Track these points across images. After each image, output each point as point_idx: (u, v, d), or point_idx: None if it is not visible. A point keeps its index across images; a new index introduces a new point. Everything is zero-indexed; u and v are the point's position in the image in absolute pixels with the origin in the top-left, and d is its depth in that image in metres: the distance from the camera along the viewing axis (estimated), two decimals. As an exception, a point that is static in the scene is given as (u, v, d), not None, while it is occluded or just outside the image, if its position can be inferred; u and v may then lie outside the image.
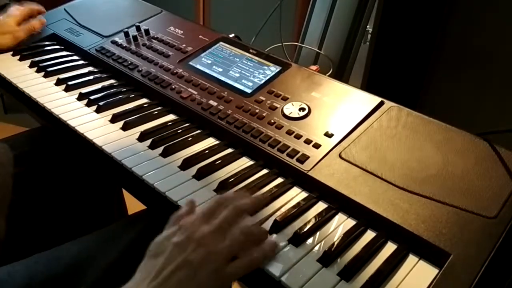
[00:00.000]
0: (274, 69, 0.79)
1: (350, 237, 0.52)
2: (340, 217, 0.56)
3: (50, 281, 0.56)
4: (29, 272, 0.57)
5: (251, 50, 0.84)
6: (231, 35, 0.90)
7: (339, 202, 0.57)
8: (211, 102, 0.74)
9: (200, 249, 0.45)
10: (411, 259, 0.50)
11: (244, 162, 0.65)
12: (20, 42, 0.94)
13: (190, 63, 0.83)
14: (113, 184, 0.94)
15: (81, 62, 0.90)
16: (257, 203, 0.54)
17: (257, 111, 0.70)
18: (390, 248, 0.51)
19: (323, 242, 0.52)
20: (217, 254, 0.46)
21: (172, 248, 0.46)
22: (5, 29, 0.92)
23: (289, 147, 0.64)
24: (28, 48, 0.92)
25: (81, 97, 0.78)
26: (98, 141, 0.67)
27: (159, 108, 0.77)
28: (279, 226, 0.53)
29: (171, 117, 0.75)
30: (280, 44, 1.02)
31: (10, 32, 0.92)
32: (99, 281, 0.56)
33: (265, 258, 0.48)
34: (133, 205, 0.78)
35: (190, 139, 0.69)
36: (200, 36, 0.89)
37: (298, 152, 0.62)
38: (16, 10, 0.95)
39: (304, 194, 0.59)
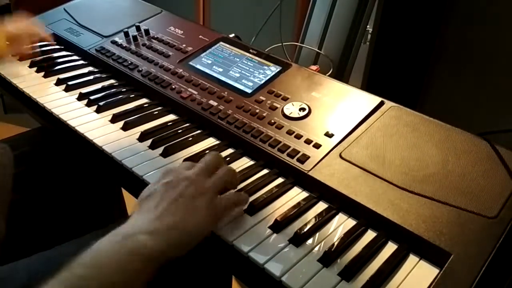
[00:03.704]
0: (274, 69, 0.79)
1: (350, 237, 0.52)
2: (340, 217, 0.56)
3: None
4: (29, 272, 0.57)
5: (251, 50, 0.84)
6: (231, 35, 0.90)
7: (340, 202, 0.57)
8: (211, 102, 0.74)
9: (191, 185, 0.49)
10: (412, 259, 0.50)
11: (245, 162, 0.65)
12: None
13: (190, 63, 0.83)
14: (113, 184, 0.94)
15: (81, 62, 0.90)
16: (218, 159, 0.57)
17: (257, 111, 0.70)
18: (390, 248, 0.51)
19: (323, 242, 0.52)
20: (207, 187, 0.50)
21: (164, 186, 0.49)
22: None
23: (290, 147, 0.64)
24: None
25: (81, 97, 0.78)
26: (98, 141, 0.67)
27: (159, 108, 0.77)
28: (279, 226, 0.53)
29: (171, 117, 0.75)
30: (280, 44, 1.02)
31: None
32: None
33: (244, 199, 0.55)
34: (133, 205, 0.77)
35: (190, 139, 0.69)
36: (200, 36, 0.89)
37: (299, 152, 0.62)
38: (12, 24, 0.86)
39: (304, 194, 0.59)
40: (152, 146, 0.67)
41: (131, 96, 0.80)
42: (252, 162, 0.65)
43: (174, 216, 0.46)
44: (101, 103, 0.76)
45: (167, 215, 0.46)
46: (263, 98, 0.73)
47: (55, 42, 0.95)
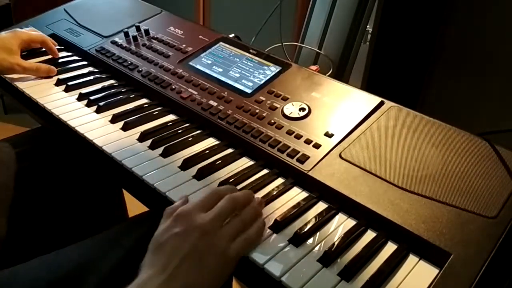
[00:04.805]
0: (274, 69, 0.79)
1: (350, 237, 0.52)
2: (340, 217, 0.56)
3: (52, 286, 0.55)
4: (30, 277, 0.57)
5: (251, 50, 0.84)
6: (231, 35, 0.90)
7: (339, 202, 0.57)
8: (211, 102, 0.74)
9: (204, 236, 0.45)
10: (412, 259, 0.50)
11: (244, 162, 0.65)
12: (7, 72, 0.81)
13: (190, 63, 0.83)
14: (113, 185, 0.94)
15: (81, 62, 0.90)
16: (250, 196, 0.55)
17: (257, 111, 0.70)
18: (390, 248, 0.51)
19: (323, 242, 0.52)
20: (220, 237, 0.46)
21: (174, 239, 0.46)
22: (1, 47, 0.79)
23: (289, 147, 0.64)
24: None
25: (81, 97, 0.78)
26: (98, 142, 0.67)
27: (159, 108, 0.77)
28: (279, 226, 0.53)
29: (171, 117, 0.75)
30: (280, 44, 1.02)
31: (6, 53, 0.79)
32: (101, 285, 0.56)
33: (260, 233, 0.51)
34: (135, 207, 0.78)
35: (190, 139, 0.69)
36: (200, 36, 0.89)
37: (298, 152, 0.62)
38: (24, 32, 0.85)
39: (304, 194, 0.59)
40: (152, 146, 0.67)
41: (131, 96, 0.80)
42: (252, 162, 0.65)
43: (186, 278, 0.43)
44: (101, 104, 0.76)
45: (179, 275, 0.43)
46: (263, 98, 0.73)
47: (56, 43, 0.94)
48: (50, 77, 0.84)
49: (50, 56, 0.90)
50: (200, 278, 0.44)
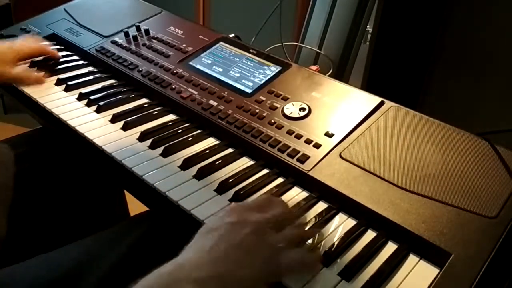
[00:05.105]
0: (274, 69, 0.79)
1: (350, 237, 0.52)
2: (340, 217, 0.56)
3: (53, 285, 0.55)
4: (31, 276, 0.57)
5: (251, 50, 0.84)
6: (231, 35, 0.90)
7: (340, 202, 0.57)
8: (211, 102, 0.74)
9: (255, 234, 0.44)
10: (412, 259, 0.50)
11: (245, 162, 0.65)
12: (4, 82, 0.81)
13: (190, 63, 0.83)
14: (114, 185, 0.94)
15: (81, 62, 0.90)
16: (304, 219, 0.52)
17: (257, 111, 0.70)
18: (390, 248, 0.51)
19: (323, 242, 0.52)
20: (271, 242, 0.44)
21: (226, 227, 0.44)
22: None
23: (290, 147, 0.64)
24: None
25: (81, 97, 0.78)
26: (98, 141, 0.67)
27: (159, 108, 0.77)
28: (279, 226, 0.53)
29: (171, 117, 0.75)
30: (280, 44, 1.02)
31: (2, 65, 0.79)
32: (101, 284, 0.56)
33: (317, 263, 0.47)
34: (135, 206, 0.78)
35: (190, 139, 0.69)
36: (200, 36, 0.89)
37: (299, 152, 0.62)
38: (24, 44, 0.85)
39: (304, 194, 0.59)
40: (152, 146, 0.67)
41: (131, 96, 0.80)
42: (252, 162, 0.65)
43: (227, 265, 0.41)
44: (101, 103, 0.76)
45: (221, 261, 0.41)
46: (263, 98, 0.73)
47: (57, 45, 0.94)
48: (50, 77, 0.84)
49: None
50: (242, 269, 0.41)
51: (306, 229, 0.52)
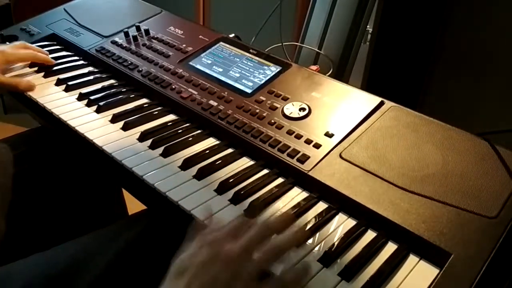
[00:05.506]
0: (274, 69, 0.79)
1: (350, 237, 0.52)
2: (340, 217, 0.56)
3: (49, 282, 0.55)
4: (28, 273, 0.57)
5: (251, 50, 0.84)
6: (231, 35, 0.90)
7: (340, 202, 0.57)
8: (211, 102, 0.74)
9: (228, 269, 0.41)
10: (412, 259, 0.50)
11: (245, 162, 0.65)
12: None
13: (190, 63, 0.83)
14: (113, 184, 0.94)
15: (81, 62, 0.90)
16: (286, 222, 0.48)
17: (257, 111, 0.70)
18: (390, 248, 0.51)
19: (323, 242, 0.52)
20: (245, 274, 0.42)
21: (197, 267, 0.42)
22: None
23: (290, 147, 0.64)
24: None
25: (81, 97, 0.78)
26: (98, 141, 0.67)
27: (159, 108, 0.77)
28: (279, 226, 0.53)
29: (171, 117, 0.75)
30: (280, 44, 1.02)
31: None
32: (98, 281, 0.56)
33: (297, 280, 0.44)
34: (134, 205, 0.78)
35: (190, 139, 0.69)
36: (200, 36, 0.89)
37: (299, 152, 0.62)
38: (14, 50, 0.82)
39: (304, 194, 0.59)
40: (152, 146, 0.67)
41: (131, 96, 0.80)
42: (252, 162, 0.65)
43: None
44: (101, 103, 0.76)
45: None
46: (263, 98, 0.73)
47: (57, 45, 0.95)
48: (50, 77, 0.84)
49: None
50: None
51: (291, 234, 0.47)
